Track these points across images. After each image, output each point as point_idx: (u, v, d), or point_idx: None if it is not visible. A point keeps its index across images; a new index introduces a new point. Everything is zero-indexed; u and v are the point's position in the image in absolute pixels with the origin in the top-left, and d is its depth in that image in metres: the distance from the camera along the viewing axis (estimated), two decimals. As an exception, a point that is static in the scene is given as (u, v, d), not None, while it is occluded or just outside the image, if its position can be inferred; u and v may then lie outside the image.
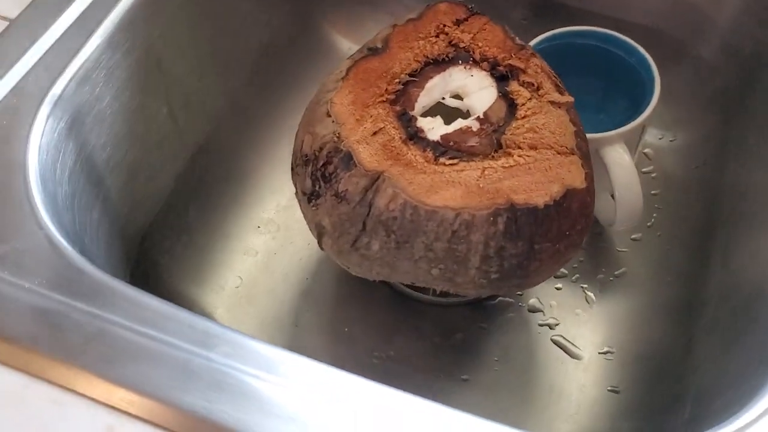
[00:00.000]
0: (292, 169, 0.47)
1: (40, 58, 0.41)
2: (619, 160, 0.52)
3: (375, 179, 0.41)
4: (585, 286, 0.56)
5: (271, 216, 0.60)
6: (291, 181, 0.60)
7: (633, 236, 0.59)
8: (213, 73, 0.56)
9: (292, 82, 0.65)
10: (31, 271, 0.34)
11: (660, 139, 0.64)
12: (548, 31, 0.57)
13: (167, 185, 0.53)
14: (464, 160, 0.41)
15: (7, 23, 0.44)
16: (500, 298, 0.56)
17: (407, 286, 0.56)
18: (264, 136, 0.62)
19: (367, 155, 0.41)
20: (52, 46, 0.41)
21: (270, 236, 0.59)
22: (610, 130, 0.52)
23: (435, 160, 0.41)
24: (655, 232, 0.59)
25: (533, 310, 0.55)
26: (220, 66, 0.57)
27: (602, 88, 0.59)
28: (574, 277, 0.57)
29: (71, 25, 0.43)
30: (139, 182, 0.49)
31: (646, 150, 0.63)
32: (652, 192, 0.60)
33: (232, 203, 0.59)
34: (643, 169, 0.62)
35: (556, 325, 0.55)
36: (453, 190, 0.40)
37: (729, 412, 0.36)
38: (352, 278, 0.56)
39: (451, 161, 0.41)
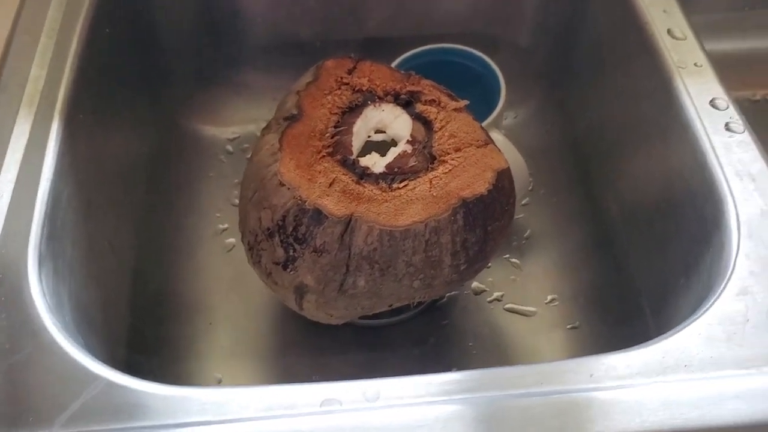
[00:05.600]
0: (251, 249, 0.50)
1: (3, 226, 0.41)
2: (498, 142, 0.61)
3: (348, 222, 0.45)
4: (507, 256, 0.64)
5: (215, 309, 0.61)
6: (219, 272, 0.63)
7: (522, 203, 0.68)
8: (122, 194, 0.57)
9: (177, 181, 0.67)
10: (116, 416, 0.35)
11: (505, 119, 0.73)
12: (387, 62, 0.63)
13: (125, 315, 0.54)
14: (412, 179, 0.47)
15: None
16: (447, 295, 0.62)
17: (366, 317, 0.60)
18: (174, 239, 0.64)
19: (333, 205, 0.45)
20: (8, 208, 0.41)
21: (222, 330, 0.60)
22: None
23: (389, 187, 0.46)
24: (538, 192, 0.68)
25: (478, 292, 0.62)
26: (125, 186, 0.58)
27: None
28: (496, 253, 0.64)
29: (16, 184, 0.43)
30: (107, 318, 0.49)
31: (498, 131, 0.72)
32: (519, 162, 0.70)
33: (177, 310, 0.60)
34: (501, 146, 0.71)
35: (502, 296, 0.62)
36: (414, 206, 0.46)
37: (693, 297, 0.44)
38: (315, 331, 0.60)
39: (402, 184, 0.47)
